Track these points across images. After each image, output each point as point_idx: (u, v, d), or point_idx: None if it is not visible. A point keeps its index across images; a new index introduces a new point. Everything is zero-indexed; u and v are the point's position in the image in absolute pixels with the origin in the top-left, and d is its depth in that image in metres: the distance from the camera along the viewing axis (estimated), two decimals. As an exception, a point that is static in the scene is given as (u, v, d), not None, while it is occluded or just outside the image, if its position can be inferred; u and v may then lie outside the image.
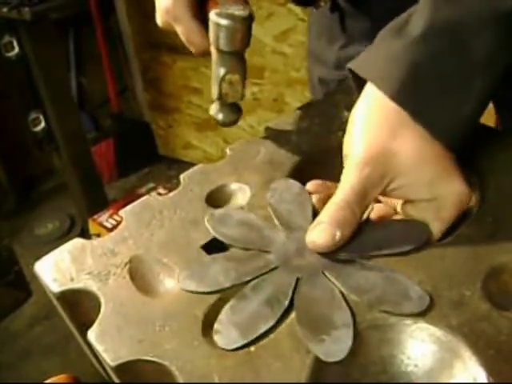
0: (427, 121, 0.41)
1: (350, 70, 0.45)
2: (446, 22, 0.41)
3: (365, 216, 0.43)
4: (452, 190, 0.41)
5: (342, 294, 0.38)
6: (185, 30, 0.54)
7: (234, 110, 0.52)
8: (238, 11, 0.47)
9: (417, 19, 0.42)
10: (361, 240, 0.41)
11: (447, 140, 0.41)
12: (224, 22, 0.47)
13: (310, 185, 0.47)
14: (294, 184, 0.47)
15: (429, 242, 0.41)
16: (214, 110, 0.52)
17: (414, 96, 0.41)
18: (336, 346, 0.34)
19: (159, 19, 0.56)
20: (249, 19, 0.47)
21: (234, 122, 0.53)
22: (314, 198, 0.46)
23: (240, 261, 0.41)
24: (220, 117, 0.52)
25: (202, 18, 0.53)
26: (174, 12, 0.53)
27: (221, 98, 0.50)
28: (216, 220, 0.45)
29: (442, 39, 0.41)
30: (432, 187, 0.41)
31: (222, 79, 0.49)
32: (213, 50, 0.50)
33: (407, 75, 0.41)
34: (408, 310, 0.36)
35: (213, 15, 0.47)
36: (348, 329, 0.35)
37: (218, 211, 0.46)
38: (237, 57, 0.49)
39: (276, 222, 0.44)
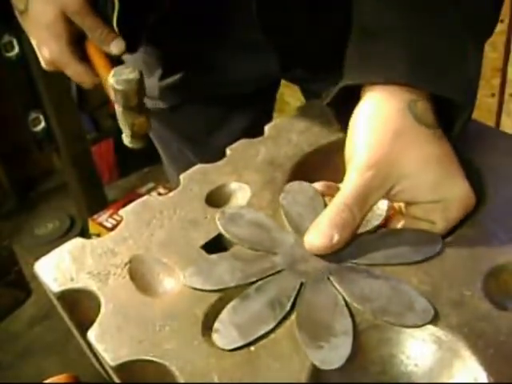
0: (445, 89, 0.41)
1: (329, 104, 0.47)
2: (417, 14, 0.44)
3: (377, 222, 0.43)
4: (457, 192, 0.41)
5: (345, 302, 0.37)
6: (74, 73, 0.60)
7: (143, 137, 0.61)
8: (130, 74, 0.55)
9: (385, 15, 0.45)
10: (370, 248, 0.41)
11: (466, 100, 0.42)
12: (120, 87, 0.55)
13: (319, 185, 0.47)
14: (309, 187, 0.46)
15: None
16: (126, 140, 0.61)
17: (423, 73, 0.42)
18: (333, 354, 0.34)
19: (45, 67, 0.61)
20: (141, 79, 0.55)
21: (144, 145, 0.62)
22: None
23: (247, 261, 0.41)
24: (132, 145, 0.61)
25: (83, 56, 0.61)
26: (59, 62, 0.60)
27: (133, 135, 0.59)
28: (227, 218, 0.44)
29: (417, 28, 0.43)
30: (436, 189, 0.41)
31: (132, 125, 0.58)
32: (116, 105, 0.57)
33: (407, 60, 0.42)
34: (411, 322, 0.35)
35: (111, 81, 0.55)
36: (347, 337, 0.35)
37: (230, 210, 0.46)
38: (138, 107, 0.57)
39: (286, 224, 0.44)
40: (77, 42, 0.60)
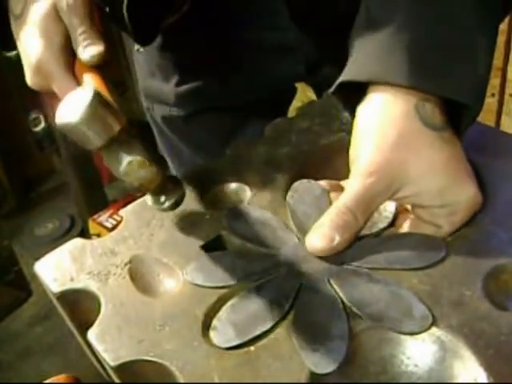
0: (449, 90, 0.40)
1: (334, 92, 0.44)
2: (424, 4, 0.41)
3: (383, 225, 0.43)
4: (463, 196, 0.40)
5: (344, 305, 0.37)
6: (60, 85, 0.47)
7: (170, 188, 0.43)
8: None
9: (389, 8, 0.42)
10: (373, 252, 0.40)
11: (473, 99, 0.40)
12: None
13: (324, 183, 0.46)
14: (317, 186, 0.46)
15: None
16: (150, 201, 0.44)
17: (426, 72, 0.40)
18: (327, 358, 0.34)
19: (30, 79, 0.50)
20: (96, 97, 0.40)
21: (179, 201, 0.44)
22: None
23: (249, 259, 0.41)
24: (159, 206, 0.44)
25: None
26: (47, 68, 0.48)
27: (139, 189, 0.42)
28: (233, 215, 0.45)
29: (426, 15, 0.41)
30: (443, 195, 0.40)
31: (126, 170, 0.41)
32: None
33: (409, 56, 0.40)
34: (408, 328, 0.35)
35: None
36: (342, 341, 0.35)
37: (237, 207, 0.46)
38: (121, 139, 0.41)
39: (290, 223, 0.44)
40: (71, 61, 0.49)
